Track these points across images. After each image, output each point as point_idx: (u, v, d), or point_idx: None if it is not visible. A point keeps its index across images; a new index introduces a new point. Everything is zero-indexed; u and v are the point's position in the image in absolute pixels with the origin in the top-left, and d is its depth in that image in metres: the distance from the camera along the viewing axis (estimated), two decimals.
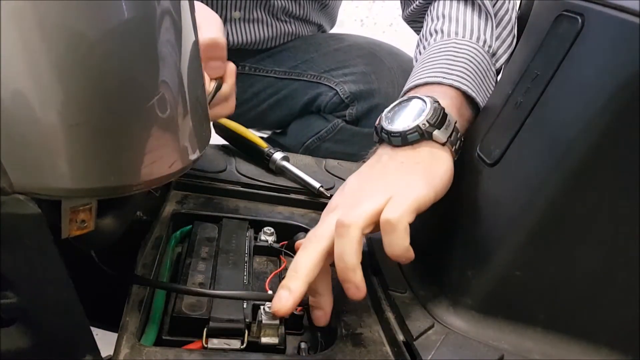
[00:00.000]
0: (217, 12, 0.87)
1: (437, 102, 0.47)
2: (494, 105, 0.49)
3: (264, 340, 0.41)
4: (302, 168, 0.65)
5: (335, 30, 1.09)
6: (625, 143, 0.36)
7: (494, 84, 0.56)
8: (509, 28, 0.60)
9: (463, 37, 0.58)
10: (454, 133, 0.47)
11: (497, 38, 0.59)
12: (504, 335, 0.41)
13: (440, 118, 0.46)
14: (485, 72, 0.55)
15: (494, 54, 0.58)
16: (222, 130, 0.71)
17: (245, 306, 0.43)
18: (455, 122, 0.48)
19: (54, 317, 0.32)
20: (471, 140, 0.49)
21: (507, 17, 0.60)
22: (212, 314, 0.41)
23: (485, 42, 0.57)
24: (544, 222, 0.39)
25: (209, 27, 0.51)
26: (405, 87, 0.55)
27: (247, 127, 0.71)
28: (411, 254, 0.42)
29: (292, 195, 0.63)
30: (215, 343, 0.40)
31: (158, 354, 0.37)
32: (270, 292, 0.47)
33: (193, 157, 0.37)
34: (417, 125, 0.46)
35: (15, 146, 0.27)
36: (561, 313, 0.41)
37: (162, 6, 0.32)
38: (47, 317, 0.32)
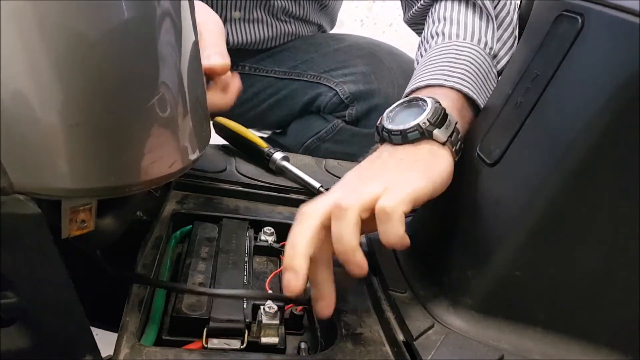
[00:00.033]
0: (217, 12, 0.87)
1: (438, 102, 0.47)
2: (494, 105, 0.49)
3: (264, 340, 0.41)
4: (302, 168, 0.65)
5: (335, 30, 1.09)
6: (625, 143, 0.36)
7: (495, 85, 0.56)
8: (510, 30, 0.60)
9: (464, 40, 0.58)
10: (454, 133, 0.47)
11: (498, 40, 0.59)
12: (504, 335, 0.41)
13: (440, 117, 0.46)
14: (487, 74, 0.55)
15: (495, 56, 0.58)
16: (222, 130, 0.71)
17: (245, 306, 0.43)
18: (456, 123, 0.48)
19: (54, 317, 0.32)
20: (471, 140, 0.49)
21: (508, 19, 0.60)
22: (212, 314, 0.41)
23: (486, 44, 0.58)
24: (544, 222, 0.39)
25: (211, 48, 0.51)
26: (407, 90, 0.55)
27: (247, 127, 0.71)
28: (406, 241, 0.41)
29: (292, 195, 0.63)
30: (215, 343, 0.40)
31: (158, 354, 0.37)
32: (270, 292, 0.47)
33: (193, 157, 0.37)
34: (418, 124, 0.46)
35: (15, 146, 0.27)
36: (561, 313, 0.41)
37: (162, 6, 0.32)
38: (47, 317, 0.32)
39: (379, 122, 0.49)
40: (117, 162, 0.31)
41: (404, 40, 1.04)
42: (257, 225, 0.56)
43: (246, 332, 0.41)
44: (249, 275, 0.47)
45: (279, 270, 0.50)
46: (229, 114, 0.66)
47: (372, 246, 0.52)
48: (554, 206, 0.39)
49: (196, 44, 0.38)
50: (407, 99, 0.50)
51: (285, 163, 0.65)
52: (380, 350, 0.42)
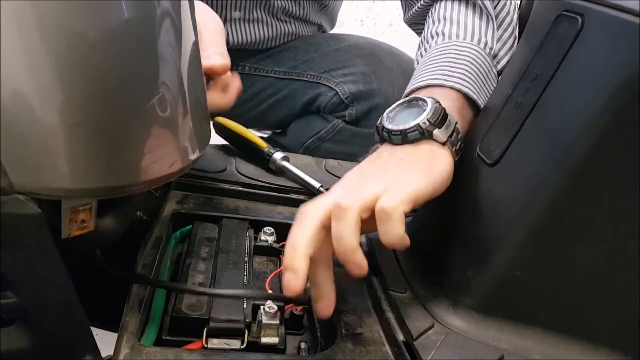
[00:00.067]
0: (217, 12, 0.87)
1: (439, 102, 0.47)
2: (494, 105, 0.49)
3: (264, 340, 0.41)
4: (302, 168, 0.65)
5: (335, 30, 1.09)
6: (625, 143, 0.36)
7: (495, 85, 0.56)
8: (510, 30, 0.60)
9: (464, 40, 0.58)
10: (454, 133, 0.47)
11: (498, 40, 0.59)
12: (504, 335, 0.41)
13: (440, 117, 0.46)
14: (487, 74, 0.55)
15: (495, 56, 0.58)
16: (222, 130, 0.71)
17: (245, 306, 0.43)
18: (456, 123, 0.48)
19: (54, 317, 0.32)
20: (471, 140, 0.49)
21: (508, 19, 0.60)
22: (212, 314, 0.41)
23: (486, 44, 0.58)
24: (544, 222, 0.39)
25: (211, 48, 0.51)
26: (407, 90, 0.55)
27: (247, 127, 0.71)
28: (406, 241, 0.41)
29: (292, 195, 0.63)
30: (215, 343, 0.40)
31: (158, 354, 0.37)
32: (270, 292, 0.47)
33: (193, 157, 0.37)
34: (418, 124, 0.46)
35: (15, 146, 0.27)
36: (561, 313, 0.41)
37: (162, 6, 0.32)
38: (47, 317, 0.32)
39: (379, 122, 0.49)
40: (117, 162, 0.31)
41: (404, 40, 1.04)
42: (257, 225, 0.56)
43: (246, 332, 0.41)
44: (249, 275, 0.47)
45: (279, 270, 0.50)
46: (229, 114, 0.66)
47: (372, 246, 0.52)
48: (554, 206, 0.39)
49: (196, 44, 0.38)
50: (407, 99, 0.50)
51: (285, 163, 0.65)
52: (380, 350, 0.42)
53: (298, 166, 0.65)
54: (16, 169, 0.28)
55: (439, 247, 0.48)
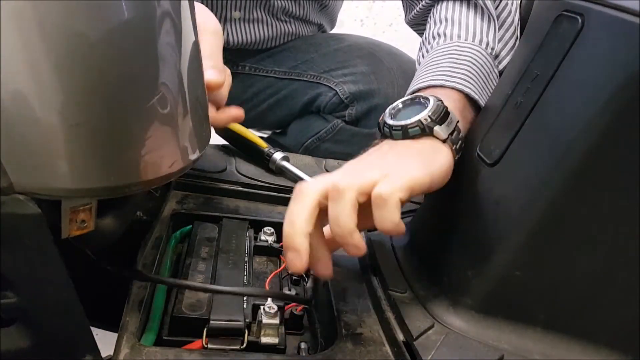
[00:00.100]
0: (217, 11, 0.88)
1: (441, 100, 0.48)
2: (494, 105, 0.49)
3: (264, 340, 0.41)
4: (302, 168, 0.65)
5: (335, 30, 1.09)
6: (625, 143, 0.36)
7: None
8: (511, 30, 0.60)
9: (465, 40, 0.58)
10: (455, 132, 0.47)
11: (499, 40, 0.59)
12: (504, 335, 0.41)
13: (442, 115, 0.46)
14: (488, 75, 0.55)
15: (496, 56, 0.58)
16: (222, 130, 0.71)
17: (245, 306, 0.43)
18: (457, 122, 0.48)
19: (54, 317, 0.32)
20: (471, 140, 0.49)
21: (509, 19, 0.60)
22: (212, 314, 0.41)
23: (487, 44, 0.58)
24: (544, 222, 0.39)
25: (207, 61, 0.49)
26: (408, 90, 0.55)
27: (247, 127, 0.71)
28: (402, 228, 0.41)
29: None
30: (215, 343, 0.40)
31: (158, 354, 0.37)
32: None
33: (193, 157, 0.37)
34: (419, 120, 0.46)
35: (15, 146, 0.27)
36: (561, 313, 0.41)
37: (162, 6, 0.32)
38: (47, 317, 0.32)
39: (380, 118, 0.50)
40: (117, 162, 0.31)
41: (404, 40, 1.04)
42: (257, 225, 0.56)
43: (246, 332, 0.41)
44: (249, 275, 0.47)
45: (279, 270, 0.50)
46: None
47: (372, 246, 0.52)
48: (554, 206, 0.39)
49: (196, 44, 0.38)
50: (410, 97, 0.51)
51: (285, 163, 0.65)
52: (380, 350, 0.42)
53: (298, 166, 0.65)
54: (16, 169, 0.28)
55: (439, 247, 0.48)
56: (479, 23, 0.59)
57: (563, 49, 0.40)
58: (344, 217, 0.40)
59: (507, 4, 0.61)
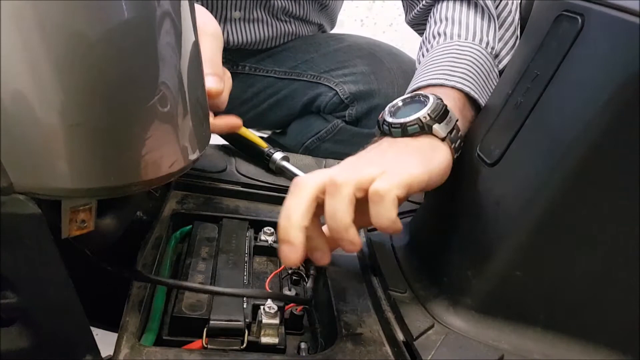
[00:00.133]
0: (217, 12, 0.88)
1: (441, 99, 0.48)
2: (494, 105, 0.49)
3: (264, 340, 0.41)
4: (302, 168, 0.65)
5: (335, 30, 1.09)
6: (625, 143, 0.36)
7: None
8: (511, 29, 0.60)
9: (466, 39, 0.58)
10: (454, 130, 0.47)
11: (499, 40, 0.59)
12: (504, 335, 0.41)
13: (441, 113, 0.46)
14: (488, 74, 0.55)
15: (496, 56, 0.58)
16: None
17: (245, 306, 0.43)
18: (457, 121, 0.48)
19: (54, 317, 0.32)
20: (471, 140, 0.49)
21: (509, 19, 0.60)
22: (212, 314, 0.41)
23: (487, 43, 0.58)
24: (544, 222, 0.39)
25: (206, 67, 0.49)
26: (408, 89, 0.55)
27: (247, 127, 0.71)
28: (398, 225, 0.41)
29: None
30: (215, 343, 0.40)
31: (158, 354, 0.37)
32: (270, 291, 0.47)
33: (193, 157, 0.37)
34: (418, 118, 0.46)
35: (15, 146, 0.27)
36: (561, 313, 0.41)
37: (162, 6, 0.32)
38: (47, 317, 0.32)
39: (380, 116, 0.50)
40: (116, 162, 0.31)
41: (404, 40, 1.04)
42: (257, 225, 0.56)
43: (246, 332, 0.41)
44: (249, 275, 0.47)
45: (279, 270, 0.50)
46: (228, 114, 0.66)
47: (372, 246, 0.52)
48: (554, 206, 0.39)
49: (196, 44, 0.38)
50: (409, 95, 0.51)
51: (285, 163, 0.65)
52: (380, 350, 0.42)
53: (298, 166, 0.65)
54: (16, 169, 0.28)
55: (439, 247, 0.48)
56: (479, 22, 0.59)
57: (563, 49, 0.40)
58: (340, 212, 0.40)
59: (507, 4, 0.61)
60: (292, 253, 0.40)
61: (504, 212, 0.42)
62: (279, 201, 0.61)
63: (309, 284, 0.48)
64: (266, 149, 0.66)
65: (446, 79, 0.52)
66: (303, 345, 0.44)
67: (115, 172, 0.31)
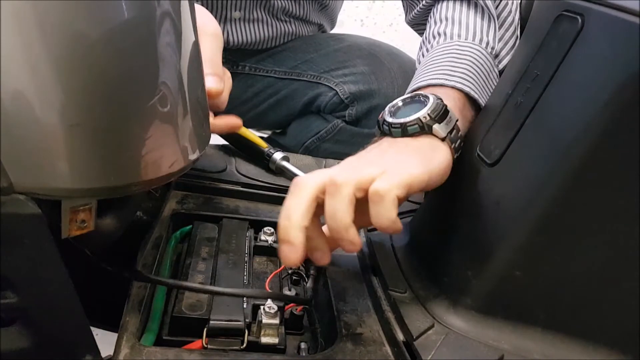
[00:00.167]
0: (217, 12, 0.88)
1: (441, 99, 0.48)
2: (494, 105, 0.49)
3: (264, 340, 0.41)
4: (302, 168, 0.65)
5: (335, 30, 1.09)
6: (625, 143, 0.36)
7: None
8: (511, 29, 0.60)
9: (466, 39, 0.58)
10: (454, 130, 0.47)
11: (499, 40, 0.59)
12: (504, 335, 0.41)
13: (441, 113, 0.46)
14: (488, 74, 0.55)
15: (496, 56, 0.58)
16: None
17: (245, 306, 0.43)
18: (457, 121, 0.48)
19: (54, 317, 0.32)
20: (471, 140, 0.49)
21: (509, 19, 0.60)
22: (212, 314, 0.41)
23: (488, 43, 0.58)
24: (543, 222, 0.39)
25: (207, 67, 0.49)
26: (408, 89, 0.55)
27: (247, 127, 0.71)
28: (398, 225, 0.41)
29: None
30: (215, 343, 0.40)
31: (158, 354, 0.37)
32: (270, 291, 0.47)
33: (193, 157, 0.37)
34: (418, 118, 0.46)
35: (15, 146, 0.27)
36: (561, 313, 0.41)
37: (162, 6, 0.32)
38: (47, 317, 0.32)
39: (380, 116, 0.50)
40: (116, 162, 0.31)
41: (404, 40, 1.04)
42: (257, 225, 0.56)
43: (246, 332, 0.41)
44: (249, 275, 0.47)
45: (279, 270, 0.50)
46: (228, 114, 0.66)
47: (372, 246, 0.52)
48: (553, 206, 0.39)
49: (196, 44, 0.38)
50: (409, 95, 0.51)
51: (285, 163, 0.65)
52: (380, 350, 0.42)
53: (298, 166, 0.65)
54: (16, 169, 0.28)
55: (439, 247, 0.48)
56: (479, 22, 0.59)
57: (563, 49, 0.40)
58: (340, 212, 0.40)
59: (507, 4, 0.61)
60: (292, 253, 0.40)
61: (504, 212, 0.42)
62: (279, 201, 0.61)
63: (309, 284, 0.48)
64: (266, 149, 0.66)
65: (446, 79, 0.52)
66: (303, 345, 0.44)
67: (115, 172, 0.31)
